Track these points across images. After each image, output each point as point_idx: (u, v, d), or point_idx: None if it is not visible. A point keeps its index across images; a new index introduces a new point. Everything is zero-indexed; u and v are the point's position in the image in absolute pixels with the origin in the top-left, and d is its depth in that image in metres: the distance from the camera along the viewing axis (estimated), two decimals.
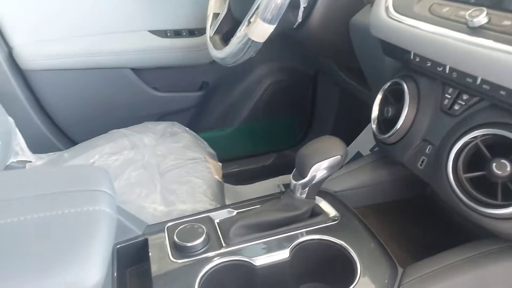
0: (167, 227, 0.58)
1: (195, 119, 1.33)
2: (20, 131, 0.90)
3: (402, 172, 0.71)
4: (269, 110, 1.42)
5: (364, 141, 1.27)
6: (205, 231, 0.55)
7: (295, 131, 1.52)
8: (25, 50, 1.01)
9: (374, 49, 0.71)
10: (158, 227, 0.59)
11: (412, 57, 0.60)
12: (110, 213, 0.40)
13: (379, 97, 0.69)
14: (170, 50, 1.19)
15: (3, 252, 0.34)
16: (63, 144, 1.12)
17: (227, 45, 0.81)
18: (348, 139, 1.34)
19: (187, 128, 1.08)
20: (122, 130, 1.02)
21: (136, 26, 1.15)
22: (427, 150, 0.59)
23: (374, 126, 0.69)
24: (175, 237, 0.54)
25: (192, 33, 1.22)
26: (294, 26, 0.78)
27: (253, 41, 0.72)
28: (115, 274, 0.51)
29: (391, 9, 0.62)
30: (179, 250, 0.54)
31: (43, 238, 0.36)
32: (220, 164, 0.98)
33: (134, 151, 0.95)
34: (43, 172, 0.48)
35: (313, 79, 1.42)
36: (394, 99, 0.66)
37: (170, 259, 0.53)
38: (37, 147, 0.96)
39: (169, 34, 1.19)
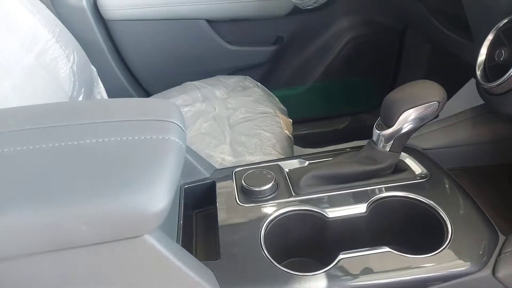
0: (235, 172, 0.56)
1: (267, 75, 1.29)
2: (101, 79, 0.94)
3: (507, 131, 0.59)
4: (347, 68, 1.31)
5: (459, 105, 1.12)
6: (274, 177, 0.52)
7: (374, 93, 1.39)
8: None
9: None
10: (226, 172, 0.57)
11: None
12: (180, 144, 0.39)
13: (489, 38, 0.57)
14: (245, 0, 1.15)
15: (72, 172, 0.34)
16: (140, 95, 1.16)
17: None
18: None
19: (259, 83, 1.04)
20: (195, 83, 1.02)
21: None
22: None
23: (479, 72, 0.58)
24: (243, 181, 0.52)
25: None
26: None
27: None
28: (182, 214, 0.51)
29: None
30: (246, 194, 0.52)
31: (112, 161, 0.36)
32: (291, 120, 0.93)
33: (205, 103, 0.95)
34: (115, 102, 0.48)
35: (400, 36, 1.27)
36: (509, 41, 0.54)
37: (237, 202, 0.51)
38: (115, 96, 1.00)
39: None
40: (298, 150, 1.27)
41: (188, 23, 1.12)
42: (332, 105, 1.38)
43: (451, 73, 1.21)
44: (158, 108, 0.44)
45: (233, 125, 0.87)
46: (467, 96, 1.09)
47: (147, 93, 1.18)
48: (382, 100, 1.53)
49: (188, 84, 1.03)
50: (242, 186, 0.52)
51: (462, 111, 0.64)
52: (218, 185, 0.54)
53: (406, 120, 0.50)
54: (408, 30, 1.25)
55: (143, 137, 0.38)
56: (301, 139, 1.33)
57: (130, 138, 0.38)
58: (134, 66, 1.13)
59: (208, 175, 0.56)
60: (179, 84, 1.05)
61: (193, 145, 0.81)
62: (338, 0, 1.24)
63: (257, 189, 0.51)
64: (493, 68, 0.56)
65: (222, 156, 0.76)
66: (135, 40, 1.09)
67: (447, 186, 0.51)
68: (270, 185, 0.51)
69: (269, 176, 0.52)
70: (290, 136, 0.88)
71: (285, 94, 1.32)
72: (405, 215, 0.51)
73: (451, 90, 1.12)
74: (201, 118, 0.89)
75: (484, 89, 0.57)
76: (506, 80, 0.52)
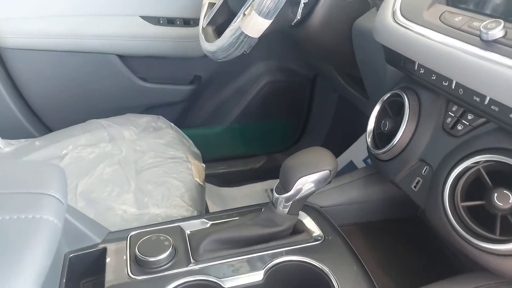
0: (130, 236, 0.52)
1: (183, 114, 1.27)
2: None
3: (394, 191, 0.66)
4: (263, 110, 1.36)
5: (358, 151, 1.22)
6: (171, 244, 0.50)
7: (288, 134, 1.46)
8: (5, 26, 0.95)
9: (376, 56, 0.66)
10: (120, 235, 0.53)
11: (416, 68, 0.55)
12: (53, 222, 0.35)
13: (377, 108, 0.63)
14: (162, 39, 1.13)
15: None
16: (38, 131, 1.05)
17: (219, 38, 0.75)
18: (342, 147, 1.30)
19: (172, 124, 1.01)
20: (102, 121, 0.95)
21: (128, 10, 1.09)
22: (423, 171, 0.54)
23: (369, 139, 0.64)
24: (137, 250, 0.49)
25: (186, 22, 1.15)
26: (293, 24, 0.72)
27: (246, 35, 0.66)
28: (64, 286, 0.45)
29: (398, 14, 0.57)
30: (140, 264, 0.48)
31: None
32: (203, 165, 0.92)
33: (111, 144, 0.89)
34: None
35: (311, 82, 1.37)
36: (393, 112, 0.61)
37: (128, 274, 0.47)
38: (8, 131, 0.89)
39: (161, 21, 1.13)
40: (214, 190, 1.26)
41: (97, 57, 1.06)
42: (248, 145, 1.41)
43: (354, 121, 1.33)
44: (34, 176, 0.39)
45: (140, 171, 0.82)
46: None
47: (48, 129, 1.07)
48: (296, 141, 1.60)
49: (94, 121, 0.95)
50: (136, 255, 0.48)
51: (356, 170, 0.69)
52: (109, 253, 0.50)
53: (302, 186, 0.52)
54: (318, 78, 1.35)
55: (7, 217, 0.33)
56: (217, 178, 1.32)
57: None
58: (32, 100, 1.03)
59: (99, 240, 0.51)
60: (84, 120, 0.97)
61: (93, 192, 0.75)
62: (255, 47, 1.30)
63: (152, 259, 0.48)
64: (380, 136, 0.62)
65: (124, 208, 0.71)
66: (34, 71, 0.99)
67: (338, 248, 0.54)
68: (166, 254, 0.48)
69: (166, 243, 0.50)
70: (202, 183, 0.86)
71: (201, 133, 1.31)
72: (301, 280, 0.52)
73: (353, 137, 1.22)
74: (105, 161, 0.83)
75: (373, 155, 0.62)
76: (390, 149, 0.58)
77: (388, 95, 0.61)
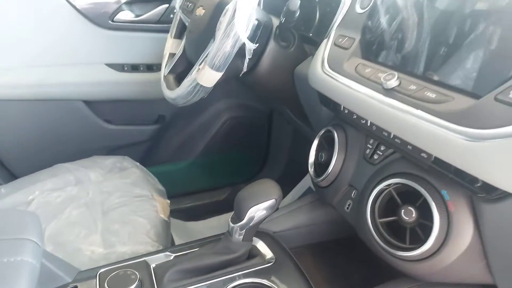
0: (100, 273, 0.58)
1: (148, 153, 1.33)
2: None
3: (337, 213, 0.75)
4: (225, 144, 1.45)
5: None
6: (138, 277, 0.55)
7: (250, 166, 1.55)
8: None
9: (314, 98, 0.77)
10: (90, 273, 0.58)
11: (342, 109, 0.66)
12: (33, 264, 0.40)
13: (315, 142, 0.74)
14: (126, 84, 1.21)
15: None
16: (3, 178, 1.07)
17: (179, 85, 0.84)
18: (300, 174, 1.39)
19: (138, 163, 1.07)
20: (68, 165, 1.00)
21: (93, 59, 1.16)
22: (352, 194, 0.63)
23: (311, 170, 0.73)
24: (106, 285, 0.54)
25: (150, 68, 1.24)
26: (241, 75, 0.82)
27: (202, 85, 0.75)
28: None
29: (325, 64, 0.68)
30: None
31: None
32: (168, 201, 0.98)
33: (78, 187, 0.93)
34: None
35: (269, 117, 1.48)
36: (328, 145, 0.71)
37: None
38: None
39: (126, 68, 1.21)
40: (179, 225, 1.31)
41: (63, 103, 1.12)
42: (212, 178, 1.48)
43: (308, 151, 1.44)
44: (11, 224, 0.45)
45: (106, 211, 0.87)
46: None
47: (12, 176, 1.10)
48: (258, 171, 1.68)
49: (60, 166, 1.00)
50: None
51: (303, 197, 0.79)
52: None
53: (253, 214, 0.60)
54: (274, 113, 1.47)
55: None
56: (183, 213, 1.37)
57: None
58: None
59: (69, 280, 0.56)
60: (50, 165, 1.02)
61: (61, 236, 0.79)
62: (215, 87, 1.40)
63: None
64: (319, 166, 0.72)
65: (91, 249, 0.76)
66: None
67: (288, 268, 0.62)
68: (133, 287, 0.54)
69: (133, 276, 0.55)
70: (167, 219, 0.92)
71: (166, 170, 1.37)
72: None
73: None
74: (72, 204, 0.88)
75: (314, 183, 0.72)
76: (326, 177, 0.68)
77: (323, 131, 0.72)
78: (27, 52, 1.08)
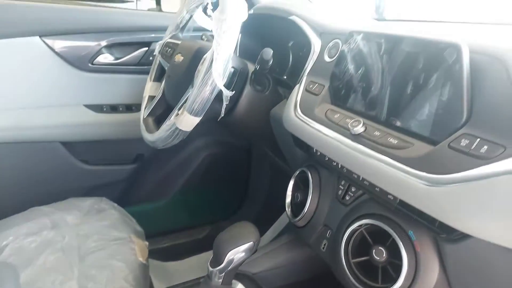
0: None
1: (127, 192, 1.32)
2: None
3: (311, 252, 0.77)
4: (204, 181, 1.46)
5: None
6: None
7: (230, 202, 1.56)
8: None
9: (289, 139, 0.81)
10: None
11: (315, 151, 0.69)
12: None
13: (291, 183, 0.76)
14: (105, 125, 1.21)
15: None
16: None
17: (159, 127, 0.86)
18: (280, 209, 1.41)
19: (115, 204, 1.07)
20: (43, 208, 0.98)
21: (71, 100, 1.17)
22: (327, 234, 0.66)
23: (288, 210, 0.75)
24: None
25: (129, 108, 1.25)
26: (219, 119, 0.85)
27: (180, 129, 0.78)
28: None
29: (298, 109, 0.72)
30: None
31: None
32: (147, 243, 0.97)
33: (54, 231, 0.92)
34: None
35: (248, 152, 1.51)
36: (303, 185, 0.74)
37: None
38: None
39: (105, 109, 1.22)
40: (158, 266, 1.29)
41: (40, 145, 1.11)
42: (192, 216, 1.47)
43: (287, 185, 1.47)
44: None
45: (84, 256, 0.86)
46: None
47: None
48: (238, 207, 1.68)
49: (35, 209, 0.98)
50: None
51: (281, 236, 0.80)
52: None
53: (232, 258, 0.61)
54: (253, 148, 1.50)
55: None
56: (162, 253, 1.35)
57: None
58: None
59: None
60: (25, 209, 1.00)
61: (36, 283, 0.77)
62: None
63: None
64: (296, 206, 0.74)
65: None
66: None
67: None
68: None
69: None
70: (145, 262, 0.91)
71: (145, 209, 1.36)
72: None
73: None
74: (47, 249, 0.86)
75: (292, 222, 0.74)
76: (302, 217, 0.70)
77: (298, 171, 0.75)
78: (5, 95, 1.08)
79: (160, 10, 1.50)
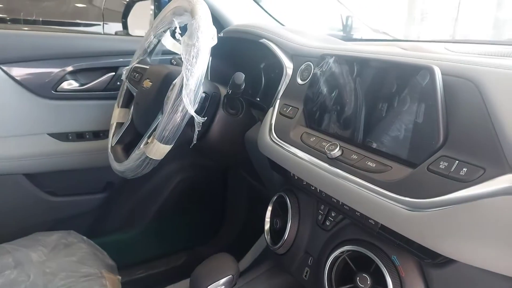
0: None
1: (96, 224, 1.25)
2: None
3: (294, 279, 0.74)
4: (180, 207, 1.41)
5: None
6: None
7: (206, 226, 1.51)
8: None
9: (265, 163, 0.79)
10: None
11: (292, 175, 0.68)
12: None
13: (269, 209, 0.74)
14: (71, 154, 1.15)
15: None
16: None
17: (128, 156, 0.82)
18: (260, 231, 1.38)
19: (84, 238, 1.00)
20: (5, 245, 0.91)
21: (34, 129, 1.11)
22: (309, 261, 0.64)
23: (268, 237, 0.73)
24: None
25: (96, 135, 1.20)
26: (191, 146, 0.81)
27: (151, 158, 0.74)
28: None
29: (273, 132, 0.70)
30: None
31: None
32: (119, 277, 0.91)
33: (17, 270, 0.85)
34: None
35: (223, 174, 1.48)
36: (282, 211, 0.72)
37: None
38: None
39: (70, 137, 1.16)
40: None
41: (2, 179, 1.04)
42: (168, 243, 1.41)
43: (266, 206, 1.45)
44: None
45: None
46: None
47: None
48: (215, 231, 1.63)
49: None
50: None
51: (261, 264, 0.77)
52: None
53: None
54: (229, 169, 1.46)
55: None
56: (137, 284, 1.28)
57: None
58: None
59: None
60: None
61: None
62: None
63: None
64: (275, 233, 0.72)
65: None
66: None
67: None
68: None
69: None
70: None
71: (117, 240, 1.29)
72: None
73: None
74: None
75: (272, 250, 0.71)
76: (282, 245, 0.68)
77: (276, 197, 0.73)
78: None
79: (128, 34, 1.46)
